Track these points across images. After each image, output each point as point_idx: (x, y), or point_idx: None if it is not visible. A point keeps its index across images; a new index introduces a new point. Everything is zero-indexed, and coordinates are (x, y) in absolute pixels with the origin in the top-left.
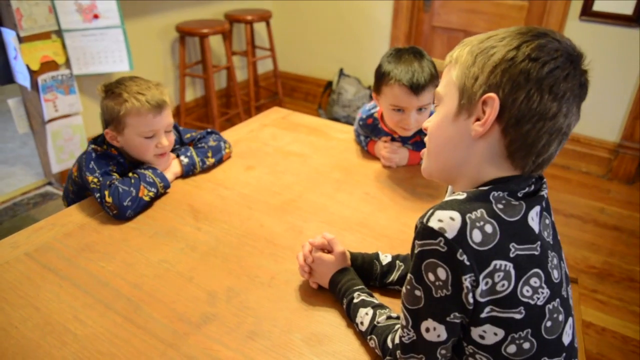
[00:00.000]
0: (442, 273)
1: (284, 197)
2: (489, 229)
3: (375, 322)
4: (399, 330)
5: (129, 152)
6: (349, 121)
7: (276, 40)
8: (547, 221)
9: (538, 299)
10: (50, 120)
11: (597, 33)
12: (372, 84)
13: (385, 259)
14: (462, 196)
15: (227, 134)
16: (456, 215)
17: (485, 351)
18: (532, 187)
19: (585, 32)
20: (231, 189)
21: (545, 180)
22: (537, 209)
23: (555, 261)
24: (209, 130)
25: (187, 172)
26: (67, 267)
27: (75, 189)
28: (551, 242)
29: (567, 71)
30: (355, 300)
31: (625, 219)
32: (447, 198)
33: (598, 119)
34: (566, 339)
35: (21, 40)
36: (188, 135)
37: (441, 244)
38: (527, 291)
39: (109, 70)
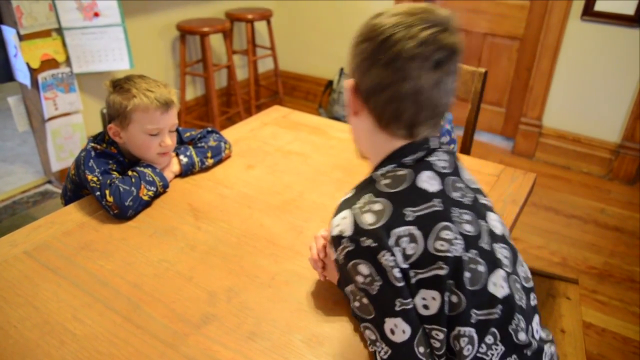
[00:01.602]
0: (364, 268)
1: (284, 197)
2: (377, 207)
3: None
4: (376, 349)
5: (131, 150)
6: None
7: (277, 39)
8: (460, 185)
9: (456, 250)
10: (50, 119)
11: (599, 33)
12: None
13: None
14: (350, 193)
15: (227, 133)
16: (346, 213)
17: (436, 323)
18: (422, 154)
19: (587, 32)
20: (231, 188)
21: (438, 147)
22: (427, 173)
23: (466, 217)
24: (209, 129)
25: (186, 172)
26: (66, 266)
27: (72, 188)
28: (465, 202)
29: (407, 41)
30: None
31: (626, 220)
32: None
33: (599, 119)
34: (499, 292)
35: (21, 38)
36: (187, 134)
37: (347, 243)
38: (442, 245)
39: (109, 69)
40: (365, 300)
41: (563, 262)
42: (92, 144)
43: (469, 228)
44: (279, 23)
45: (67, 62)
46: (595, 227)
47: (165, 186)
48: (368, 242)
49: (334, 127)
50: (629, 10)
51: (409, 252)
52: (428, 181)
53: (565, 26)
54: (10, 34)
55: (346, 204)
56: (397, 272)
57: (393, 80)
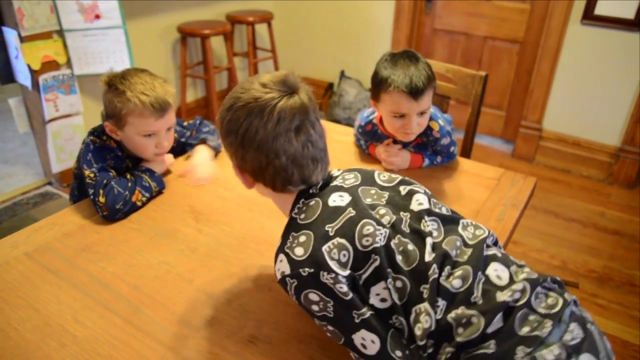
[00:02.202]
0: (314, 296)
1: None
2: (302, 238)
3: None
4: None
5: (128, 148)
6: (349, 123)
7: (277, 41)
8: (371, 191)
9: (380, 240)
10: (51, 120)
11: (599, 37)
12: None
13: None
14: (280, 242)
15: None
16: (280, 256)
17: (396, 312)
18: (321, 183)
19: (587, 36)
20: (232, 190)
21: (335, 175)
22: (336, 193)
23: (382, 211)
24: (198, 118)
25: (217, 151)
26: (67, 268)
27: (76, 184)
28: (380, 203)
29: (264, 127)
30: None
31: (625, 224)
32: None
33: (599, 123)
34: (427, 257)
35: (22, 39)
36: (186, 123)
37: (290, 281)
38: (367, 240)
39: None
40: (330, 327)
41: (563, 266)
42: (91, 137)
43: (387, 219)
44: (280, 25)
45: (68, 63)
46: (595, 230)
47: (161, 190)
48: (306, 270)
49: (335, 130)
50: (629, 14)
51: (344, 259)
52: (337, 199)
53: (566, 30)
54: (11, 35)
55: (279, 250)
56: (341, 287)
57: (269, 161)
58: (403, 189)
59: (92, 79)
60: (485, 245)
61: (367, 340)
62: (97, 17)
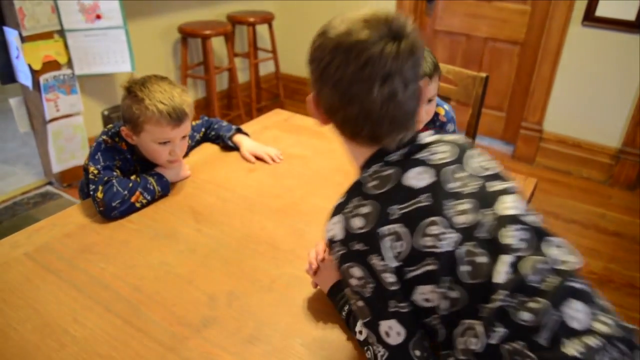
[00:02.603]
0: (357, 271)
1: (285, 200)
2: (365, 210)
3: None
4: (376, 350)
5: (142, 153)
6: None
7: (278, 42)
8: (460, 174)
9: (445, 245)
10: (52, 120)
11: (599, 38)
12: None
13: None
14: (341, 198)
15: None
16: (337, 218)
17: (436, 314)
18: (406, 150)
19: (588, 37)
20: (232, 191)
21: (425, 142)
22: (417, 169)
23: (462, 207)
24: (205, 117)
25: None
26: (67, 268)
27: (86, 180)
28: (466, 192)
29: (348, 66)
30: None
31: (626, 225)
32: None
33: (599, 125)
34: (500, 278)
35: (23, 39)
36: (193, 123)
37: (339, 247)
38: (429, 241)
39: (111, 71)
40: (360, 303)
41: None
42: (104, 137)
43: (463, 219)
44: (281, 26)
45: (69, 64)
46: (595, 232)
47: (165, 195)
48: (358, 245)
49: None
50: (630, 16)
51: (397, 250)
52: (416, 177)
53: (566, 31)
54: (12, 35)
55: (338, 209)
56: (389, 276)
57: (341, 104)
58: (494, 184)
59: (93, 79)
60: (573, 277)
61: (393, 331)
62: (98, 17)
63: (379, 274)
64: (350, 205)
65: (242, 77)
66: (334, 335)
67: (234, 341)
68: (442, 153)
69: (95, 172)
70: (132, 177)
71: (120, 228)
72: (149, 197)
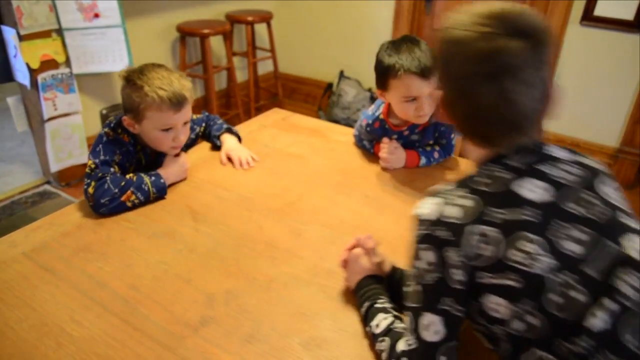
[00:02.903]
0: (430, 255)
1: (283, 200)
2: (467, 203)
3: (392, 326)
4: (406, 337)
5: (145, 142)
6: (349, 123)
7: (277, 41)
8: (588, 197)
9: (533, 265)
10: (50, 119)
11: (598, 38)
12: (372, 86)
13: None
14: (449, 184)
15: None
16: (437, 199)
17: (504, 325)
18: (529, 158)
19: (586, 36)
20: (230, 190)
21: (550, 154)
22: (534, 181)
23: (576, 234)
24: (206, 113)
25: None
26: (64, 268)
27: None
28: (587, 217)
29: (465, 59)
30: (377, 305)
31: None
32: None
33: (598, 124)
34: (595, 324)
35: (21, 38)
36: (195, 116)
37: (424, 226)
38: (516, 255)
39: (109, 70)
40: (417, 287)
41: None
42: (106, 130)
43: (573, 247)
44: (279, 25)
45: (67, 62)
46: None
47: (161, 197)
48: (443, 233)
49: (334, 130)
50: (629, 15)
51: (480, 252)
52: (530, 188)
53: (565, 31)
54: (10, 34)
55: (440, 192)
56: (458, 274)
57: (454, 99)
58: (623, 217)
59: (91, 78)
60: None
61: (432, 328)
62: (97, 16)
63: (449, 268)
64: (455, 193)
65: (241, 76)
66: (332, 334)
67: (231, 340)
68: (568, 173)
69: (93, 166)
70: (130, 175)
71: (117, 227)
72: (141, 198)
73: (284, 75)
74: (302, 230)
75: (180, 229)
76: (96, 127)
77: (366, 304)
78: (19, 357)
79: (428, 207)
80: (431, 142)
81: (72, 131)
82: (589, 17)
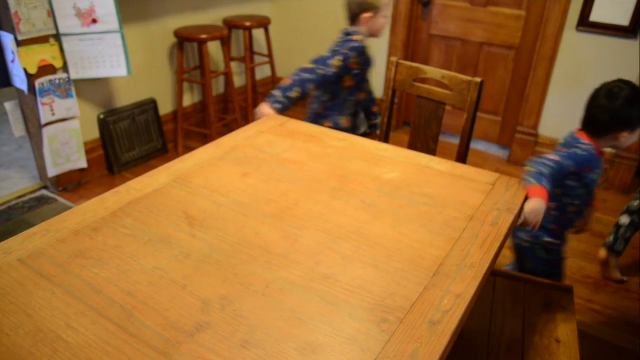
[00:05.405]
0: None
1: (279, 205)
2: None
3: None
4: None
5: (372, 31)
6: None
7: (274, 46)
8: None
9: None
10: (47, 124)
11: (594, 43)
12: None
13: None
14: None
15: (223, 140)
16: None
17: None
18: None
19: (582, 42)
20: (226, 196)
21: None
22: None
23: None
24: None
25: None
26: (60, 274)
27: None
28: None
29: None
30: None
31: None
32: None
33: None
34: None
35: (19, 43)
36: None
37: None
38: None
39: (107, 75)
40: None
41: None
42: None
43: None
44: (277, 30)
45: (65, 68)
46: (590, 236)
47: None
48: None
49: (331, 136)
50: (624, 21)
51: None
52: None
53: (561, 36)
54: (8, 39)
55: None
56: None
57: None
58: None
59: (89, 83)
60: None
61: None
62: (94, 21)
63: None
64: None
65: (239, 81)
66: (328, 339)
67: (227, 346)
68: None
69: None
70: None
71: (113, 233)
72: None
73: (282, 80)
74: (299, 236)
75: (176, 234)
76: (94, 132)
77: None
78: None
79: None
80: None
81: (70, 136)
82: (585, 23)
